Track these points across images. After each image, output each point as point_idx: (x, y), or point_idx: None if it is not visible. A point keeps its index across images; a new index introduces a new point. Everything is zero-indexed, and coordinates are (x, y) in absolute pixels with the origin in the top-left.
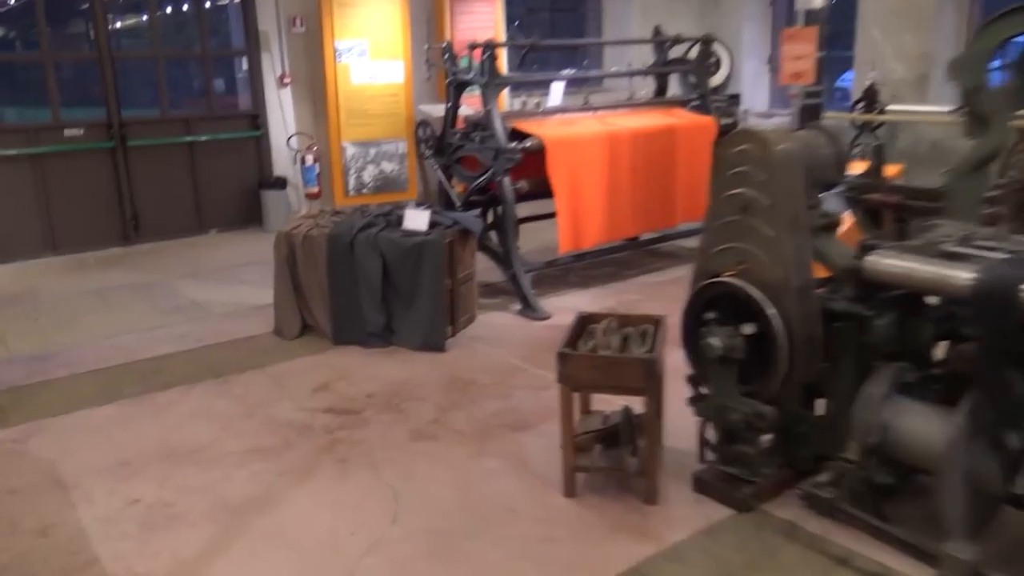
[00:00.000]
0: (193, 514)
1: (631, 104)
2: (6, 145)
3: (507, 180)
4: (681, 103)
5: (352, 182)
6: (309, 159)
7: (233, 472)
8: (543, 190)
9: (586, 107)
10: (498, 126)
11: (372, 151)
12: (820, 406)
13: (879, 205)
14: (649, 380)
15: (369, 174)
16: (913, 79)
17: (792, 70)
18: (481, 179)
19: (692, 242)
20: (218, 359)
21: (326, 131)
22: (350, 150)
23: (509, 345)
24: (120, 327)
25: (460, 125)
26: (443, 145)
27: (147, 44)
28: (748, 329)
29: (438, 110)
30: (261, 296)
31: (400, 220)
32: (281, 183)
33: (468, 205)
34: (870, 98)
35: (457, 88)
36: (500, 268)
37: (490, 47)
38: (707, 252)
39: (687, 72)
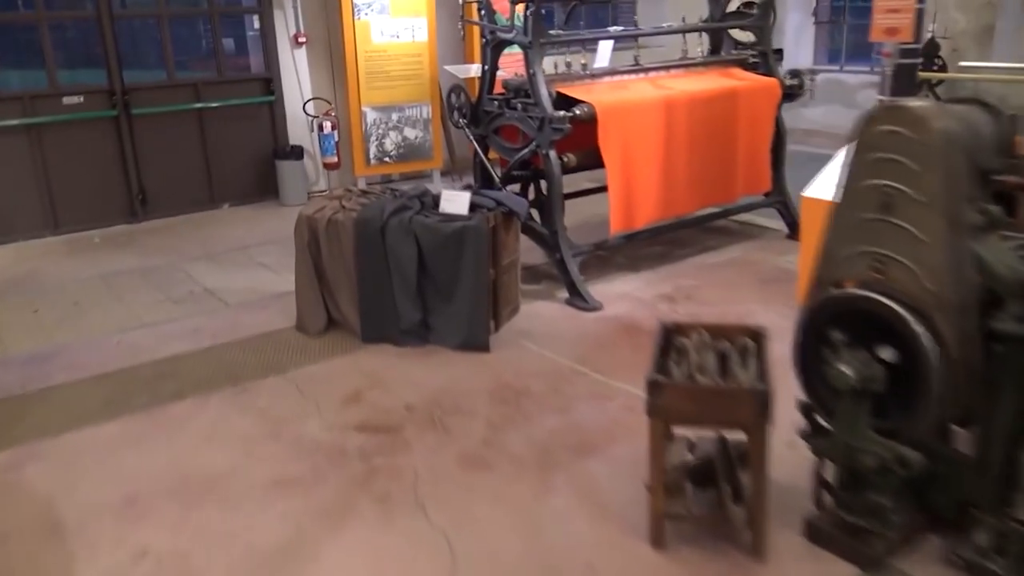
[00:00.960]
0: (214, 570)
1: (685, 64)
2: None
3: (553, 153)
4: (739, 62)
5: (373, 150)
6: (327, 126)
7: (257, 513)
8: (591, 163)
9: (637, 68)
10: (543, 92)
11: (394, 116)
12: (961, 438)
13: (1015, 189)
14: (760, 416)
15: (391, 141)
16: (977, 31)
17: (885, 24)
18: (523, 152)
19: (751, 217)
20: (236, 361)
21: (345, 95)
22: (371, 115)
23: (560, 342)
24: (127, 321)
25: (498, 90)
26: (478, 113)
27: (150, 1)
28: (888, 355)
29: (465, 71)
30: (281, 282)
31: (436, 202)
32: (297, 152)
33: (507, 180)
34: (930, 52)
35: (495, 49)
36: (544, 251)
37: (535, 2)
38: (832, 255)
39: (748, 27)
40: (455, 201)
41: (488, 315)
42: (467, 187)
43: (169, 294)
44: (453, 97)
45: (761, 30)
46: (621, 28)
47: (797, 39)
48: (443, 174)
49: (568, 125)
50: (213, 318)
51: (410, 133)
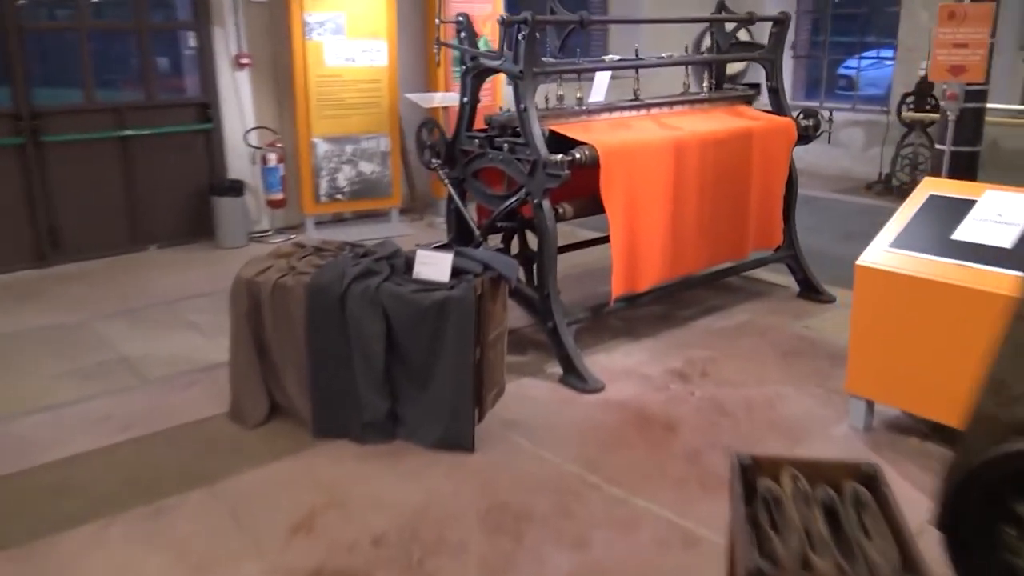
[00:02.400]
0: None
1: (689, 99)
2: None
3: (547, 204)
4: (745, 98)
5: (324, 186)
6: (272, 159)
7: None
8: (587, 213)
9: (637, 103)
10: (536, 130)
11: (348, 149)
12: None
13: None
14: None
15: (345, 176)
16: None
17: (949, 61)
18: (510, 202)
19: (755, 272)
20: (152, 466)
21: (293, 125)
22: (322, 147)
23: (560, 438)
24: (15, 402)
25: (479, 126)
26: (454, 153)
27: (68, 13)
28: None
29: (428, 100)
30: (213, 349)
31: (409, 265)
32: (237, 188)
33: (488, 232)
34: (923, 92)
35: (477, 77)
36: (532, 317)
37: (529, 24)
38: (1009, 388)
39: (757, 59)
40: (434, 265)
41: (472, 406)
42: (445, 246)
43: (76, 363)
44: (424, 133)
45: (772, 64)
46: (619, 58)
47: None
48: (402, 212)
49: (567, 172)
50: (128, 400)
51: (366, 168)
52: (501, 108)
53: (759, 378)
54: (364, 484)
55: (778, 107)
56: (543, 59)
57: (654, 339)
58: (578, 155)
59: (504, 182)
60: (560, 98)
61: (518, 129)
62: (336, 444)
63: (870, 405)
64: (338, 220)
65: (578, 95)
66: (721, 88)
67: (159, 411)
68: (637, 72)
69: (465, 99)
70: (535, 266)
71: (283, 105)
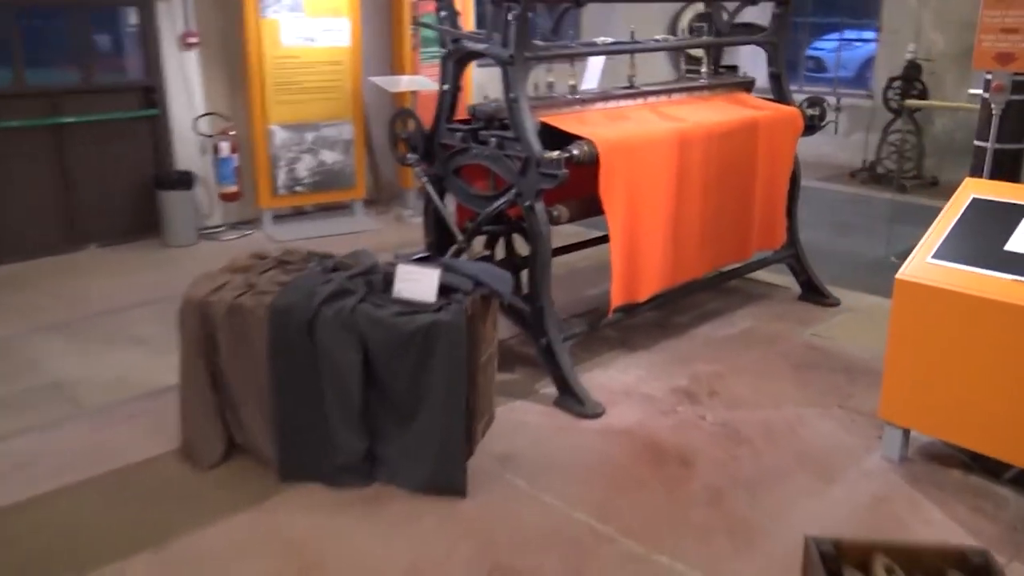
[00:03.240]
0: None
1: (687, 87)
2: None
3: (540, 206)
4: (743, 85)
5: (282, 177)
6: (224, 148)
7: None
8: (584, 215)
9: (633, 92)
10: (528, 123)
11: (308, 137)
12: None
13: None
14: None
15: (305, 167)
16: (956, 53)
17: (995, 48)
18: (499, 203)
19: (760, 274)
20: (86, 523)
21: (247, 111)
22: (279, 135)
23: (561, 477)
24: None
25: (461, 116)
26: (433, 147)
27: None
28: None
29: (395, 83)
30: (161, 370)
31: (388, 281)
32: (186, 180)
33: (472, 237)
34: (910, 76)
35: (459, 63)
36: (523, 332)
37: (521, 2)
38: None
39: (759, 42)
40: (417, 282)
41: (463, 444)
42: (426, 258)
43: (1, 390)
44: (399, 125)
45: (774, 48)
46: (612, 41)
47: (754, 54)
48: (367, 203)
49: (564, 170)
50: (59, 436)
51: (328, 157)
52: (486, 97)
53: (773, 397)
54: (341, 542)
55: (780, 95)
56: (534, 42)
57: (652, 351)
58: (576, 152)
59: (490, 180)
60: (550, 85)
61: (506, 121)
62: (306, 489)
63: (906, 433)
64: (298, 213)
65: (571, 83)
66: (716, 74)
67: (97, 450)
68: (632, 57)
69: (446, 87)
70: (526, 275)
71: (236, 89)
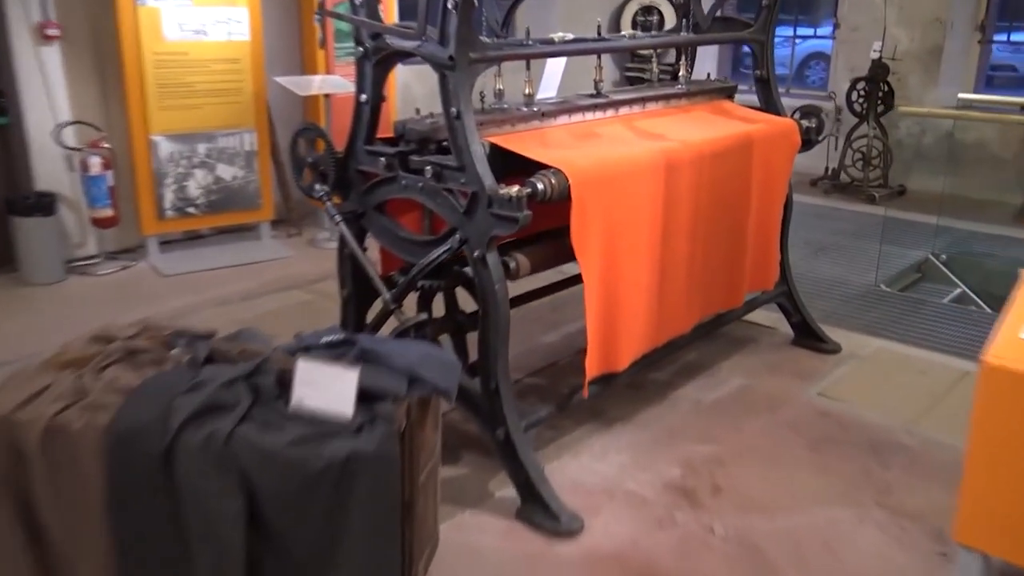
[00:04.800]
0: None
1: (663, 95)
2: None
3: (493, 258)
4: (725, 91)
5: (170, 197)
6: (95, 164)
7: None
8: (552, 263)
9: (602, 102)
10: (476, 147)
11: (201, 149)
12: None
13: None
14: None
15: (198, 184)
16: (922, 51)
17: None
18: (439, 252)
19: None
20: None
21: (123, 119)
22: (165, 147)
23: None
24: None
25: (386, 134)
26: (349, 175)
27: None
28: None
29: (305, 85)
30: None
31: (285, 384)
32: (47, 204)
33: (404, 293)
34: (876, 77)
35: (381, 65)
36: (474, 420)
37: None
38: None
39: (746, 39)
40: (327, 386)
41: None
42: (341, 342)
43: None
44: (303, 146)
45: (761, 47)
46: (571, 37)
47: (703, 50)
48: (275, 225)
49: (526, 212)
50: None
51: (226, 172)
52: (417, 111)
53: (792, 492)
54: None
55: (769, 103)
56: (482, 39)
57: (631, 424)
58: (541, 185)
59: (425, 220)
60: (500, 94)
61: (445, 143)
62: None
63: (986, 560)
64: (192, 238)
65: (526, 91)
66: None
67: None
68: (600, 59)
69: (364, 96)
70: (473, 338)
71: (109, 93)
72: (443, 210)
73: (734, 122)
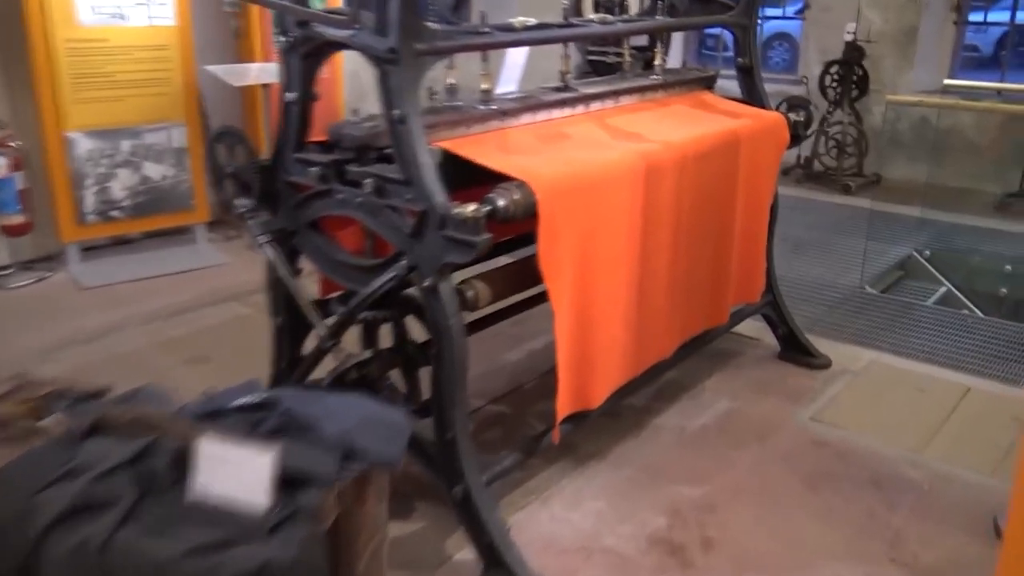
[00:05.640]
0: None
1: (637, 87)
2: None
3: (446, 288)
4: (704, 81)
5: (91, 200)
6: (1, 165)
7: None
8: (516, 290)
9: (570, 96)
10: (424, 158)
11: (125, 145)
12: None
13: None
14: None
15: (122, 185)
16: (896, 32)
17: None
18: (381, 282)
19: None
20: None
21: (33, 114)
22: (83, 145)
23: None
24: None
25: (320, 137)
26: (276, 187)
27: None
28: None
29: (241, 74)
30: None
31: (181, 464)
32: None
33: (343, 327)
34: (851, 60)
35: (311, 58)
36: (431, 475)
37: None
38: None
39: (727, 23)
40: (235, 471)
41: None
42: (259, 404)
43: None
44: (222, 152)
45: (744, 31)
46: (537, 24)
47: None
48: (212, 227)
49: (485, 236)
50: None
51: (153, 171)
52: (355, 112)
53: (794, 544)
54: None
55: (753, 95)
56: (430, 26)
57: (607, 462)
58: (502, 202)
59: (368, 238)
60: (452, 89)
61: (388, 151)
62: None
63: None
64: (120, 243)
65: (484, 87)
66: (652, 64)
67: None
68: (567, 48)
69: (291, 95)
70: (426, 373)
71: (16, 85)
72: (386, 231)
73: (717, 117)
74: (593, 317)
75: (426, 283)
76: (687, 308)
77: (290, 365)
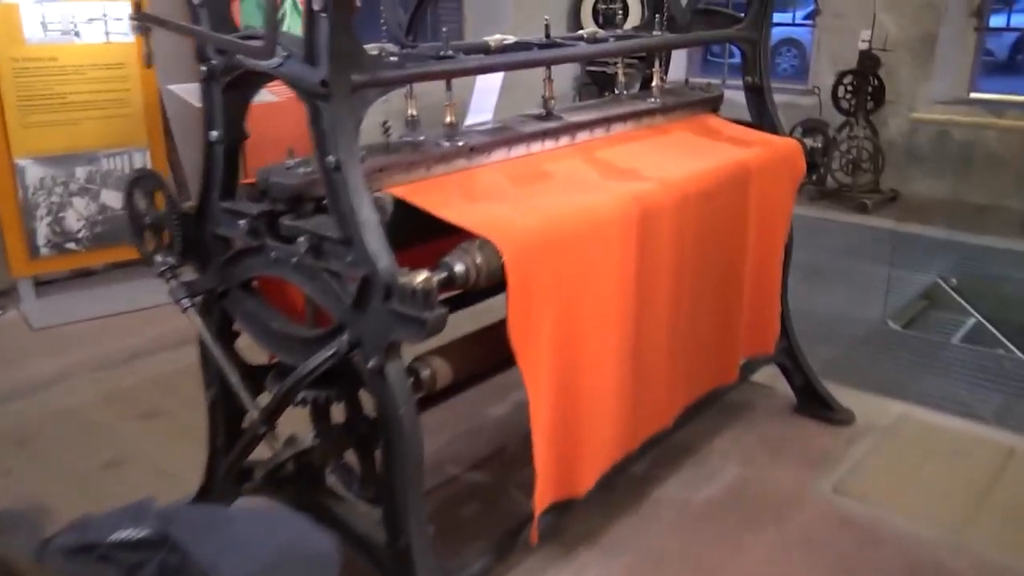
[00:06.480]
0: None
1: (632, 113)
2: None
3: (394, 368)
4: (709, 102)
5: (44, 232)
6: None
7: None
8: (488, 359)
9: (553, 126)
10: (365, 211)
11: (81, 172)
12: None
13: None
14: None
15: (78, 215)
16: (912, 40)
17: None
18: (321, 359)
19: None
20: None
21: None
22: (33, 172)
23: None
24: None
25: (246, 182)
26: (203, 239)
27: None
28: None
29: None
30: None
31: None
32: None
33: (283, 405)
34: (866, 70)
35: (234, 90)
36: None
37: None
38: None
39: (734, 38)
40: None
41: None
42: (143, 544)
43: None
44: (139, 199)
45: (753, 47)
46: (514, 41)
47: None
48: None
49: (439, 311)
50: None
51: (113, 199)
52: (290, 153)
53: None
54: None
55: (764, 117)
56: (371, 51)
57: (600, 548)
58: (460, 267)
59: (307, 306)
60: (412, 122)
61: (327, 203)
62: None
63: None
64: (80, 275)
65: (448, 119)
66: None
67: None
68: (549, 70)
69: (215, 134)
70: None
71: None
72: (324, 299)
73: (724, 146)
74: (578, 392)
75: (371, 363)
76: (691, 369)
77: (228, 442)
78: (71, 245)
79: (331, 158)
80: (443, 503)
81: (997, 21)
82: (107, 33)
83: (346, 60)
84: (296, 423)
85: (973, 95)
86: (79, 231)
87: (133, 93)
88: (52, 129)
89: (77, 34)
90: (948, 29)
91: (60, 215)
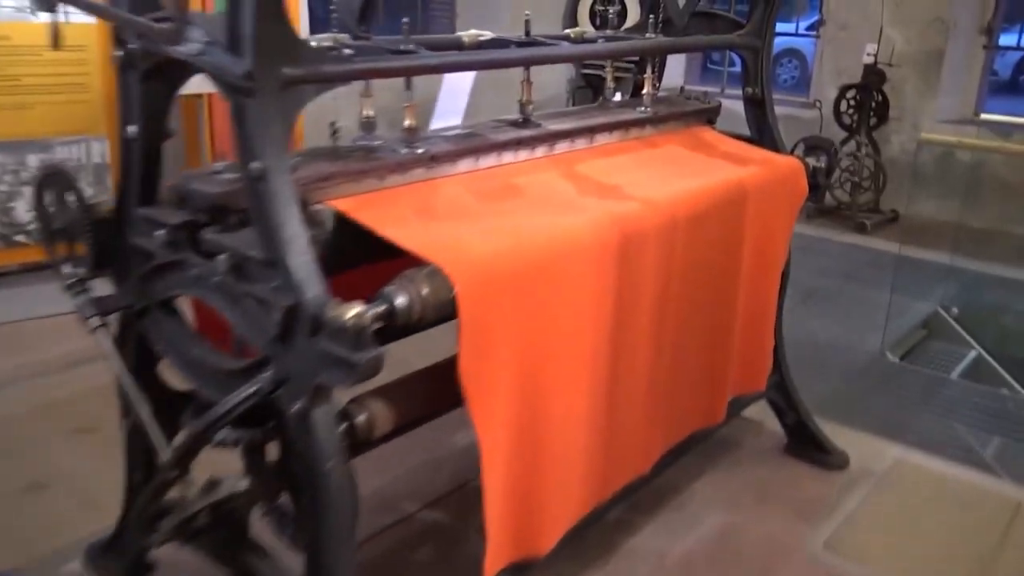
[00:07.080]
0: None
1: (619, 123)
2: None
3: (323, 414)
4: (704, 114)
5: None
6: None
7: None
8: (440, 403)
9: (528, 134)
10: (292, 228)
11: (33, 160)
12: None
13: None
14: None
15: (28, 205)
16: (920, 55)
17: None
18: (242, 396)
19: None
20: None
21: None
22: None
23: None
24: None
25: (163, 193)
26: (122, 249)
27: None
28: None
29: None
30: None
31: None
32: None
33: (199, 445)
34: (871, 85)
35: (154, 80)
36: None
37: None
38: None
39: (735, 45)
40: None
41: None
42: None
43: None
44: (49, 200)
45: (755, 55)
46: (488, 36)
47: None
48: None
49: (374, 352)
50: None
51: None
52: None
53: None
54: None
55: (764, 133)
56: (310, 42)
57: None
58: (402, 300)
59: (232, 334)
60: (368, 124)
61: (251, 218)
62: None
63: None
64: (33, 269)
65: (408, 122)
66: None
67: None
68: (528, 72)
69: (132, 129)
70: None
71: None
72: (248, 327)
73: (719, 163)
74: (541, 443)
75: (295, 408)
76: (673, 412)
77: (145, 479)
78: (20, 238)
79: (256, 164)
80: (395, 544)
81: (1007, 40)
82: (66, 13)
83: (275, 50)
84: (222, 460)
85: (987, 116)
86: (29, 223)
87: (93, 78)
88: (2, 113)
89: (33, 14)
90: (956, 46)
91: (9, 205)
